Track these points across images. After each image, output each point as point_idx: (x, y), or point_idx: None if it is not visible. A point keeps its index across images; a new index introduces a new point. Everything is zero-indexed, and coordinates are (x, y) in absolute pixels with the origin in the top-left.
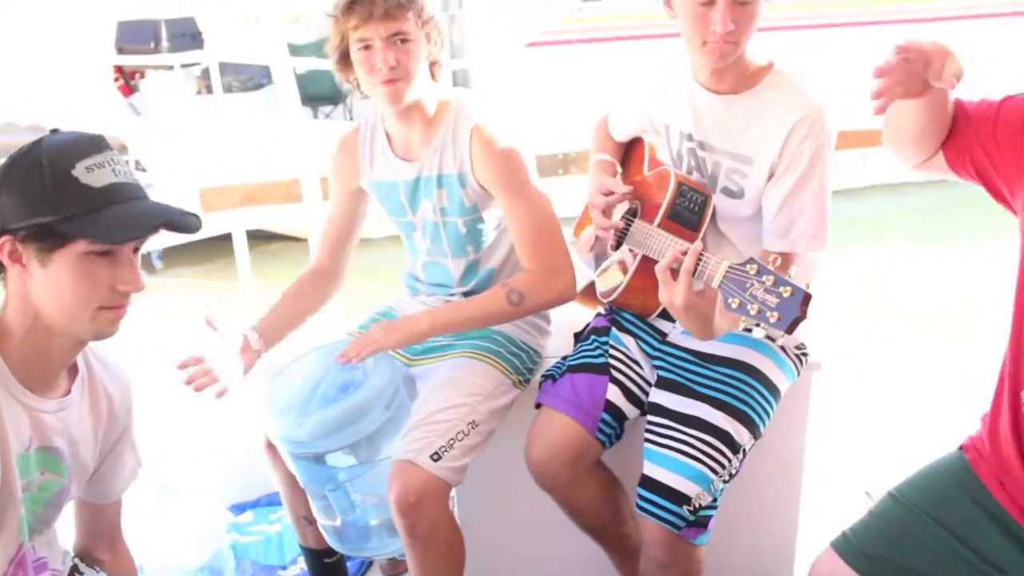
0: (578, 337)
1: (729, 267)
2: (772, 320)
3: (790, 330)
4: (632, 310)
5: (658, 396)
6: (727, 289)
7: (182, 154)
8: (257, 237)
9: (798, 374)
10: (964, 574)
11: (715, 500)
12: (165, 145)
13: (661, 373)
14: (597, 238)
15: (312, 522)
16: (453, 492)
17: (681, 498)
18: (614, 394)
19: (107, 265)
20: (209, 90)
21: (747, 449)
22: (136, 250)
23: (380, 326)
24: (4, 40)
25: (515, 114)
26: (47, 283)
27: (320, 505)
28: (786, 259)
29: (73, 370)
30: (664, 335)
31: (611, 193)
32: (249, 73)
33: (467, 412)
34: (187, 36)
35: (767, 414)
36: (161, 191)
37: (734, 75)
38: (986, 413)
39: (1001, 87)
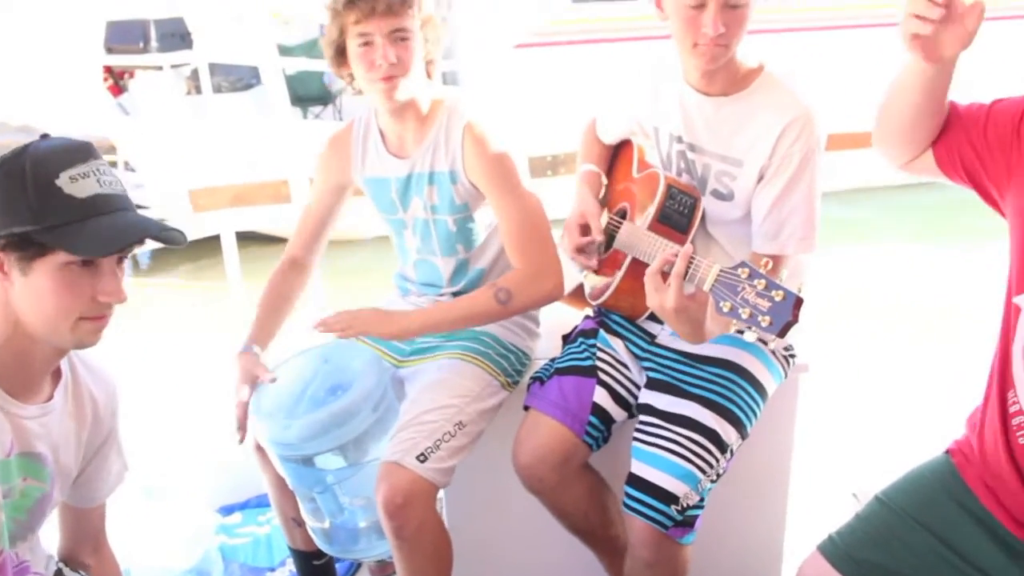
0: (566, 339)
1: (721, 271)
2: (764, 324)
3: (782, 334)
4: (621, 312)
5: (648, 396)
6: (718, 293)
7: (171, 155)
8: (245, 238)
9: (785, 375)
10: None
11: (702, 500)
12: (154, 145)
13: (651, 374)
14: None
15: (301, 524)
16: (441, 494)
17: (669, 497)
18: (601, 397)
19: (89, 275)
20: (198, 90)
21: (734, 449)
22: (120, 261)
23: (374, 312)
24: None
25: (505, 115)
26: (28, 292)
27: (308, 507)
28: (776, 262)
29: (56, 375)
30: (653, 336)
31: (587, 227)
32: (239, 74)
33: (454, 413)
34: (176, 36)
35: (754, 414)
36: (150, 192)
37: (725, 77)
38: (972, 416)
39: (994, 89)
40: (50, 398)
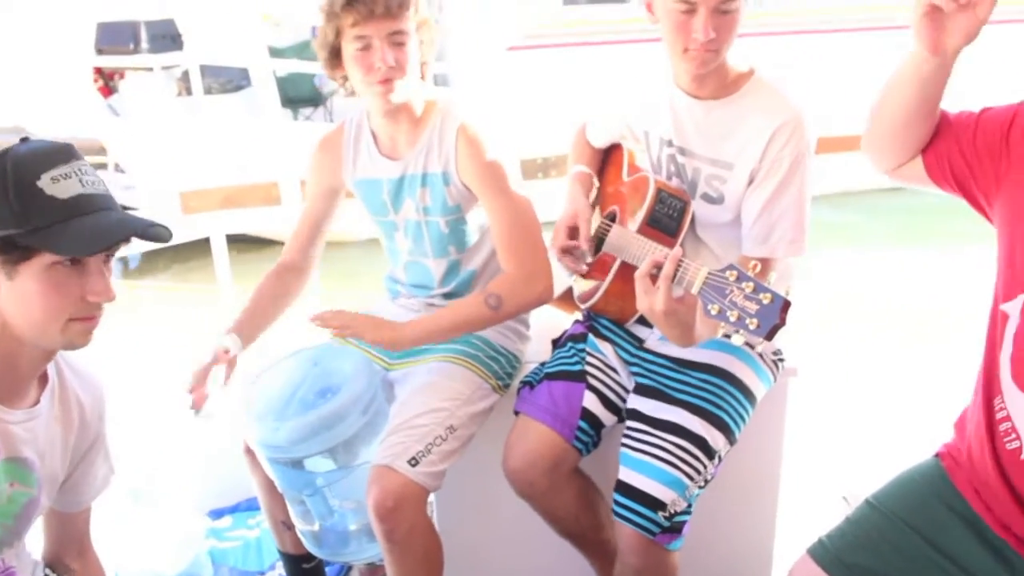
0: (556, 344)
1: (709, 273)
2: (751, 327)
3: (769, 337)
4: (610, 316)
5: (635, 402)
6: (707, 295)
7: (162, 156)
8: (236, 240)
9: (775, 380)
10: None
11: (690, 506)
12: (144, 147)
13: (639, 379)
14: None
15: (290, 527)
16: (432, 497)
17: (656, 504)
18: (591, 402)
19: (76, 275)
20: (189, 92)
21: (722, 455)
22: (107, 260)
23: (370, 316)
24: None
25: (496, 118)
26: (15, 295)
27: (298, 510)
28: (765, 265)
29: (43, 379)
30: (641, 341)
31: (575, 231)
32: (229, 75)
33: (445, 417)
34: (167, 38)
35: (743, 420)
36: (140, 193)
37: (715, 81)
38: (959, 420)
39: (993, 92)
40: (36, 403)
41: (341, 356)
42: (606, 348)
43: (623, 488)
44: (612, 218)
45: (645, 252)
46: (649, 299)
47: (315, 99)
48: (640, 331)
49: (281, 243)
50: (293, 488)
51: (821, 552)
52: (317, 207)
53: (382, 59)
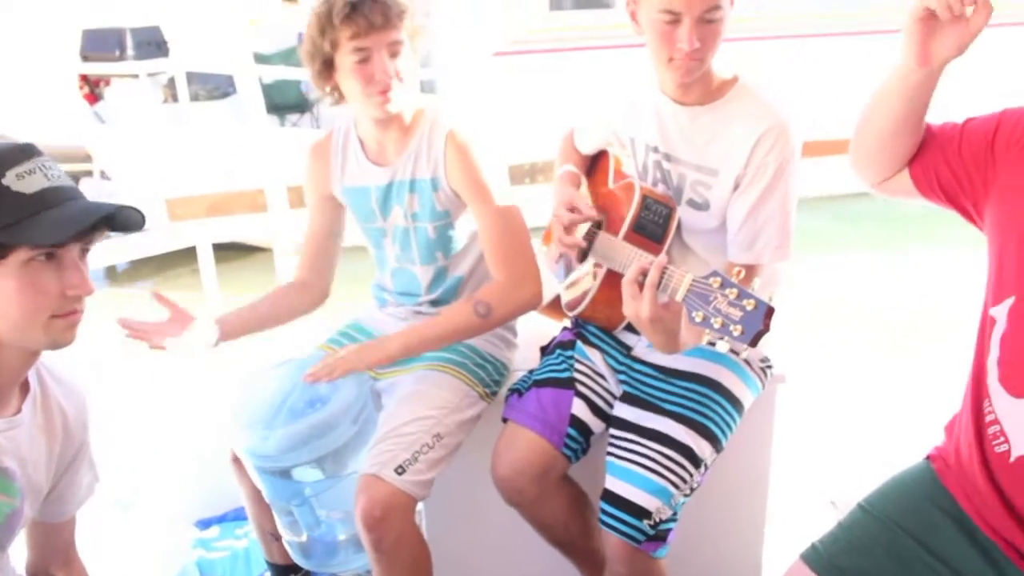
0: (544, 350)
1: (693, 280)
2: (736, 333)
3: (754, 343)
4: (597, 323)
5: (622, 410)
6: (691, 302)
7: (148, 163)
8: (221, 247)
9: (762, 387)
10: None
11: (675, 514)
12: (130, 154)
13: (625, 388)
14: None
15: (278, 538)
16: (420, 506)
17: (641, 512)
18: (579, 409)
19: (53, 271)
20: (175, 99)
21: (708, 463)
22: (83, 254)
23: (351, 348)
24: None
25: (483, 123)
26: None
27: (285, 521)
28: (750, 271)
29: (24, 388)
30: (629, 348)
31: (575, 208)
32: (216, 82)
33: (432, 425)
34: (153, 45)
35: (729, 428)
36: (126, 201)
37: (700, 88)
38: (950, 424)
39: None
40: (18, 411)
41: None
42: (594, 355)
43: (609, 497)
44: (598, 225)
45: (631, 259)
46: (635, 305)
47: (302, 105)
48: (628, 338)
49: (267, 250)
50: (281, 498)
51: (815, 557)
52: (319, 218)
53: (383, 70)
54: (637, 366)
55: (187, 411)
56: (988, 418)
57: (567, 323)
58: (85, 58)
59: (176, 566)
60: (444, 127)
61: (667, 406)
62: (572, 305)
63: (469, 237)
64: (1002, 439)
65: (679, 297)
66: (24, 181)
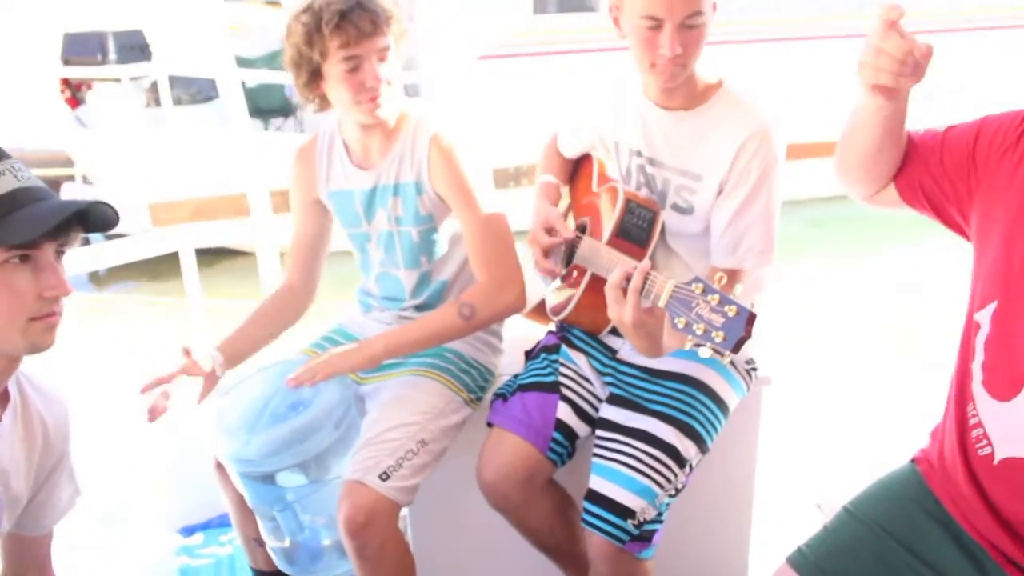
0: (529, 355)
1: (675, 287)
2: (717, 340)
3: (735, 349)
4: (582, 327)
5: (607, 411)
6: (673, 309)
7: (130, 168)
8: (205, 251)
9: (747, 389)
10: None
11: (660, 514)
12: (113, 159)
13: (612, 390)
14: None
15: (262, 544)
16: (405, 512)
17: (625, 512)
18: (565, 413)
19: (29, 273)
20: (158, 103)
21: (693, 464)
22: (60, 255)
23: (333, 352)
24: None
25: (468, 127)
26: None
27: (268, 526)
28: (733, 275)
29: (4, 398)
30: (614, 352)
31: (553, 229)
32: (199, 86)
33: (416, 430)
34: (135, 48)
35: (715, 428)
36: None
37: (684, 92)
38: (936, 428)
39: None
40: None
41: None
42: (579, 359)
43: (592, 496)
44: (583, 229)
45: (615, 264)
46: (619, 310)
47: (285, 109)
48: (613, 341)
49: (249, 254)
50: (263, 503)
51: (800, 560)
52: (306, 222)
53: (374, 77)
54: (623, 368)
55: (169, 417)
56: (972, 421)
57: (552, 327)
58: (66, 62)
59: (160, 574)
60: (428, 131)
61: (652, 406)
62: (557, 309)
63: (453, 241)
64: (985, 442)
65: (661, 303)
66: None
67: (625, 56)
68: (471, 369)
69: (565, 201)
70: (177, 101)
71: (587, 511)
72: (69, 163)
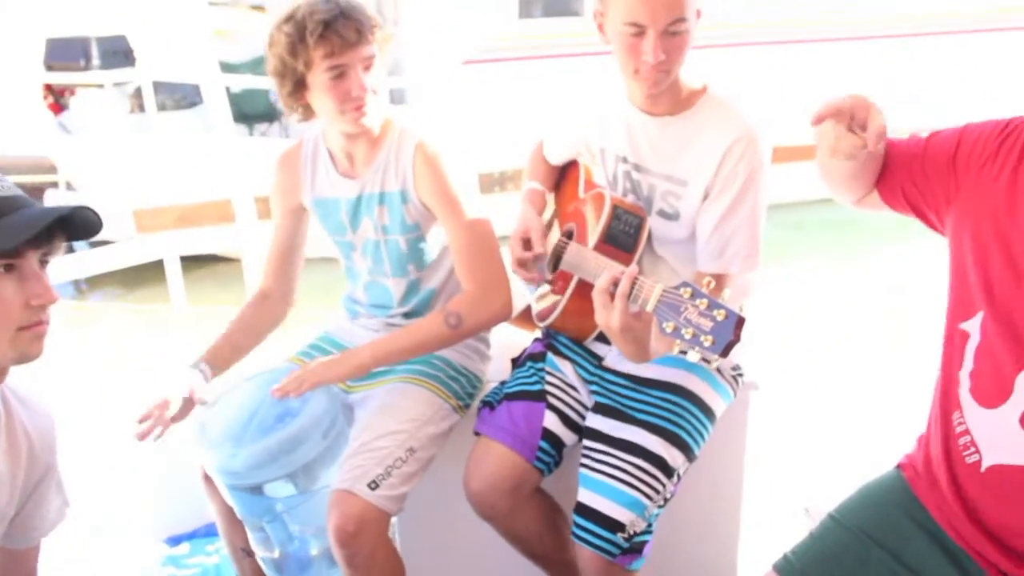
0: (515, 363)
1: (663, 291)
2: (706, 344)
3: (724, 353)
4: (568, 334)
5: (594, 421)
6: (662, 313)
7: (115, 174)
8: (189, 257)
9: (734, 395)
10: None
11: (650, 525)
12: (97, 165)
13: (597, 398)
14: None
15: (250, 554)
16: (394, 520)
17: (615, 525)
18: (551, 421)
19: (14, 283)
20: (142, 108)
21: (681, 473)
22: (44, 264)
23: (320, 361)
24: None
25: (453, 132)
26: None
27: (258, 537)
28: (720, 280)
29: None
30: (600, 359)
31: (528, 242)
32: (183, 91)
33: (405, 439)
34: (119, 54)
35: (702, 437)
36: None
37: (669, 98)
38: (922, 435)
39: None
40: None
41: None
42: (565, 366)
43: (582, 510)
44: (569, 235)
45: (601, 270)
46: (606, 315)
47: (270, 115)
48: (599, 349)
49: (234, 260)
50: (252, 514)
51: (786, 568)
52: (285, 228)
53: (359, 86)
54: (609, 376)
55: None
56: (958, 429)
57: (538, 334)
58: (49, 67)
59: None
60: (412, 139)
61: (639, 416)
62: (543, 316)
63: (441, 249)
64: (973, 449)
65: (649, 308)
66: None
67: (612, 61)
68: (459, 376)
69: (551, 209)
70: (161, 107)
71: (577, 525)
72: (52, 170)
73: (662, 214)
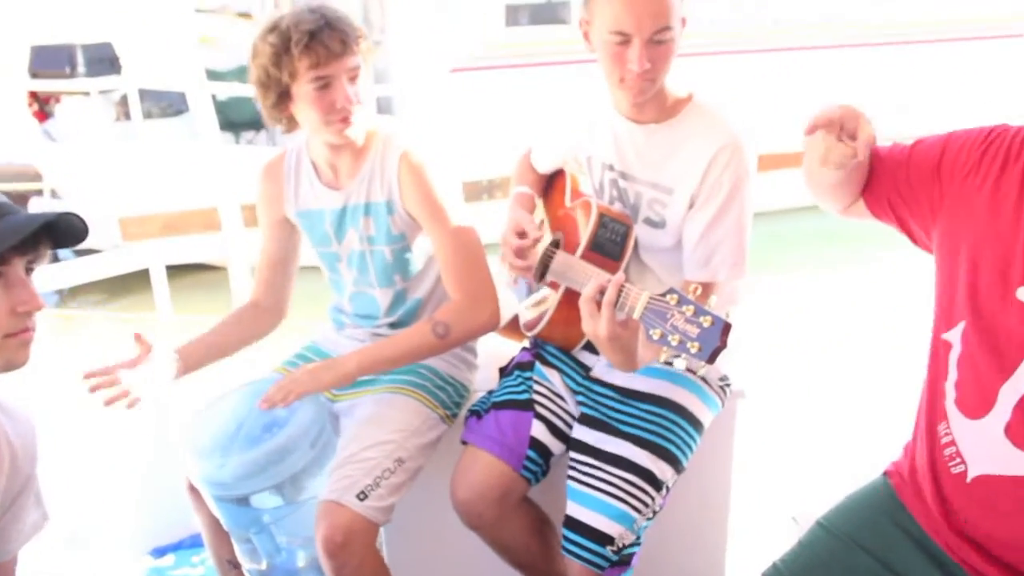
0: (503, 372)
1: (650, 298)
2: (693, 351)
3: (711, 360)
4: (555, 343)
5: (581, 433)
6: (648, 320)
7: (100, 182)
8: (174, 265)
9: (722, 405)
10: None
11: (638, 538)
12: (82, 173)
13: (584, 409)
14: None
15: (237, 566)
16: (381, 530)
17: (604, 539)
18: (539, 431)
19: (0, 289)
20: (128, 116)
21: (670, 485)
22: (30, 271)
23: (305, 369)
24: None
25: (440, 140)
26: None
27: (244, 548)
28: (707, 288)
29: None
30: (588, 369)
31: (523, 232)
32: (169, 99)
33: (393, 449)
34: (104, 61)
35: (690, 449)
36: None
37: (654, 106)
38: (908, 443)
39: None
40: None
41: None
42: (553, 376)
43: (571, 523)
44: (556, 244)
45: (588, 277)
46: (593, 323)
47: (257, 122)
48: (587, 358)
49: (220, 268)
50: (239, 526)
51: None
52: (273, 239)
53: (344, 97)
54: (596, 387)
55: (140, 435)
56: (944, 440)
57: (526, 343)
58: (34, 75)
59: None
60: (397, 149)
61: (627, 429)
62: (530, 325)
63: (427, 259)
64: (958, 460)
65: (636, 315)
66: None
67: (598, 69)
68: (447, 385)
69: (540, 215)
70: (147, 115)
71: (566, 538)
72: (37, 177)
73: (648, 222)
